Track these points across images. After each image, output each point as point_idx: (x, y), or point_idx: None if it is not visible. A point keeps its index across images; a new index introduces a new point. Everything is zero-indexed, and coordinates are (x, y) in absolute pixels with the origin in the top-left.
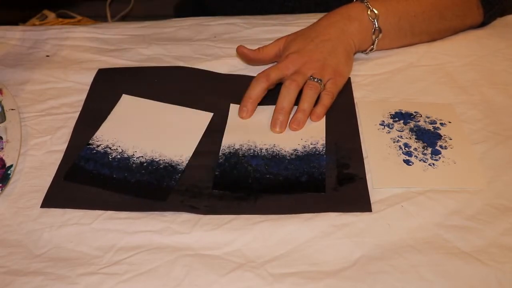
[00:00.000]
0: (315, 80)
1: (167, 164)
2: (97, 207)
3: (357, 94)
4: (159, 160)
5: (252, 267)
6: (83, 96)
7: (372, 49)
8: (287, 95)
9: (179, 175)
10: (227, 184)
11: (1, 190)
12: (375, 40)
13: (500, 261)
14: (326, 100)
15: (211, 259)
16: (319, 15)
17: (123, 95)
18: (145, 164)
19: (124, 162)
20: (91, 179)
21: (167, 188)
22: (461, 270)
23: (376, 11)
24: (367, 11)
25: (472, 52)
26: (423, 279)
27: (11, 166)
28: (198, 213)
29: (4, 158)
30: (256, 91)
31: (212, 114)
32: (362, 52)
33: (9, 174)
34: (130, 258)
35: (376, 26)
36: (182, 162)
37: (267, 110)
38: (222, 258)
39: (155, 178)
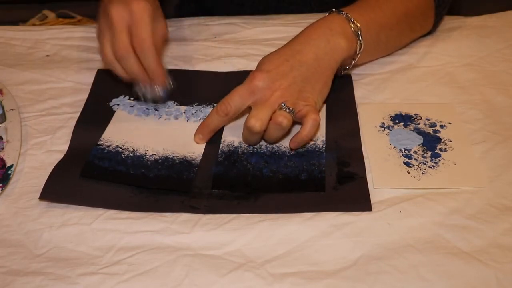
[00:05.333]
0: (287, 110)
1: (182, 160)
2: (97, 205)
3: (357, 94)
4: (173, 156)
5: (252, 267)
6: (83, 96)
7: (349, 66)
8: (249, 138)
9: (196, 168)
10: (226, 183)
11: (1, 190)
12: (358, 54)
13: (500, 261)
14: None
15: (211, 259)
16: (319, 15)
17: (117, 110)
18: (160, 160)
19: (138, 160)
20: (108, 175)
21: (188, 180)
22: (461, 270)
23: (358, 24)
24: (349, 24)
25: (472, 52)
26: (423, 279)
27: (12, 166)
28: (198, 212)
29: (4, 158)
30: (215, 123)
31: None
32: (340, 71)
33: (10, 174)
34: (130, 258)
35: (361, 39)
36: (196, 158)
37: None
38: (222, 258)
39: (173, 172)
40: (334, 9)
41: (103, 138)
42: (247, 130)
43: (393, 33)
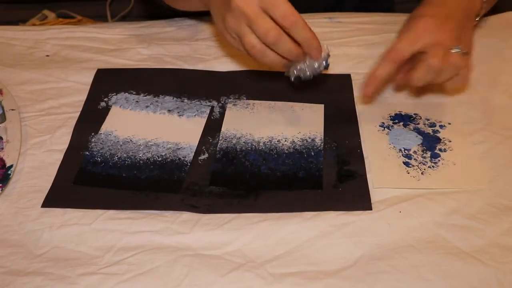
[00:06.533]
0: (460, 51)
1: (174, 157)
2: (98, 207)
3: (357, 93)
4: (166, 154)
5: (252, 267)
6: (83, 96)
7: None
8: (425, 76)
9: (188, 166)
10: (225, 180)
11: (1, 190)
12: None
13: (500, 261)
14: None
15: (211, 259)
16: (324, 14)
17: (112, 106)
18: (152, 159)
19: (131, 160)
20: (101, 181)
21: (179, 180)
22: (461, 270)
23: None
24: None
25: (472, 52)
26: (423, 279)
27: (11, 166)
28: (198, 212)
29: (4, 158)
30: (382, 72)
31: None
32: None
33: (10, 174)
34: (130, 258)
35: None
36: (189, 154)
37: (265, 105)
38: (222, 258)
39: (165, 172)
40: None
41: (97, 139)
42: (426, 68)
43: None
